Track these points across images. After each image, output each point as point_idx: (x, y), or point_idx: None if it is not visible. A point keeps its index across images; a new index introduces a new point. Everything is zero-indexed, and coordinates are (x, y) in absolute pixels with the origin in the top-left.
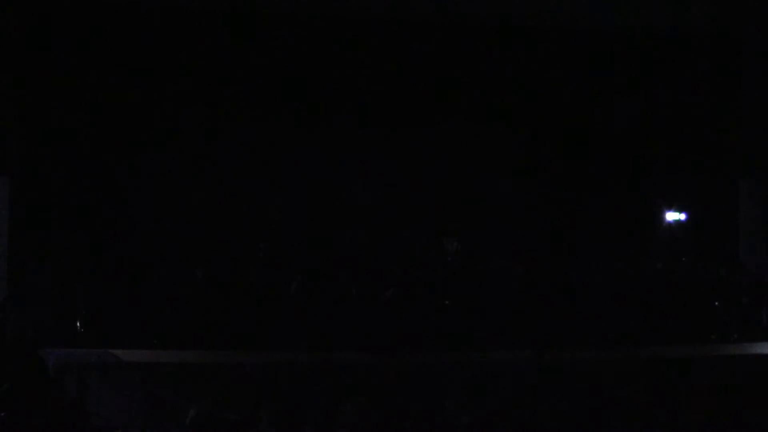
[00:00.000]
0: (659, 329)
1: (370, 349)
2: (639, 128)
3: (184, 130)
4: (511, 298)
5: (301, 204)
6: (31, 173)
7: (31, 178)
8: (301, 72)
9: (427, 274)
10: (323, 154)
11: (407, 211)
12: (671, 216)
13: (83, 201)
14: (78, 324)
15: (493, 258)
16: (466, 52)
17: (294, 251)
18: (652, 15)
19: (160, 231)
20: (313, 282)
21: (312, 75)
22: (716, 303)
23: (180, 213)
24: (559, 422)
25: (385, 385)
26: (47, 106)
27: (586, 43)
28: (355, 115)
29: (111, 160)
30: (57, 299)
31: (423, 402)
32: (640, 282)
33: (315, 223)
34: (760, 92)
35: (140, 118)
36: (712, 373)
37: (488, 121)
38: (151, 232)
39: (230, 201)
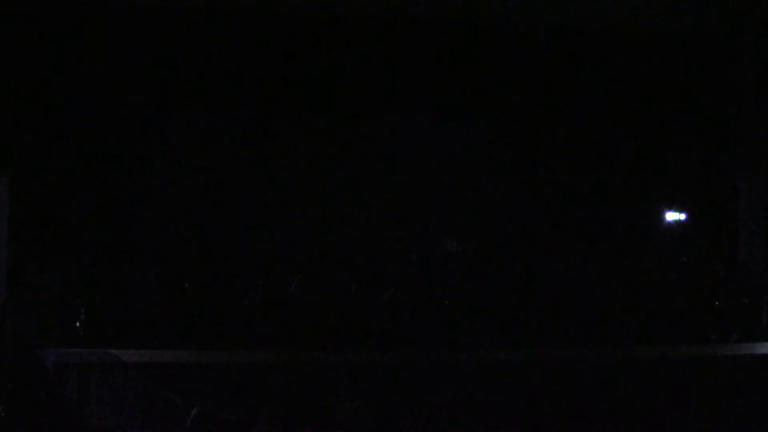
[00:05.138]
0: (659, 329)
1: (370, 349)
2: (639, 128)
3: (185, 129)
4: (511, 298)
5: (300, 203)
6: (31, 173)
7: (31, 178)
8: (300, 71)
9: (427, 274)
10: (322, 154)
11: (407, 211)
12: (671, 216)
13: (83, 201)
14: (78, 324)
15: (493, 258)
16: (465, 51)
17: (294, 251)
18: (651, 14)
19: (161, 231)
20: (313, 282)
21: (311, 74)
22: (716, 303)
23: (180, 212)
24: (558, 422)
25: (385, 385)
26: (47, 106)
27: (586, 42)
28: (354, 114)
29: (111, 160)
30: (57, 299)
31: (423, 402)
32: (639, 282)
33: (315, 222)
34: (760, 92)
35: (140, 118)
36: (712, 373)
37: (488, 120)
38: (151, 231)
39: (230, 200)
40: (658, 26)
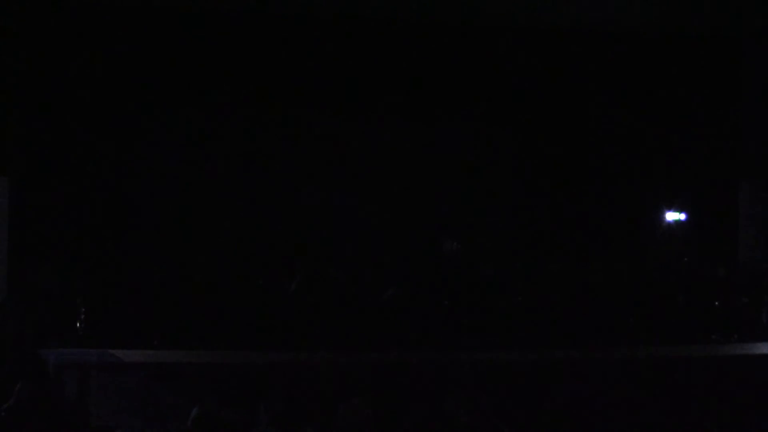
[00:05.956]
0: (659, 329)
1: (370, 349)
2: (639, 128)
3: (184, 130)
4: (511, 298)
5: (301, 203)
6: (31, 173)
7: (31, 178)
8: (300, 71)
9: (427, 274)
10: (323, 154)
11: (407, 211)
12: (671, 216)
13: (83, 201)
14: (78, 324)
15: (492, 258)
16: (465, 51)
17: (294, 251)
18: (651, 15)
19: (160, 230)
20: (313, 282)
21: (311, 74)
22: (716, 303)
23: (180, 212)
24: (559, 422)
25: (385, 385)
26: (47, 106)
27: (586, 43)
28: (355, 115)
29: (111, 161)
30: (57, 299)
31: (423, 402)
32: (640, 282)
33: (315, 222)
34: (760, 92)
35: (140, 118)
36: (712, 373)
37: (488, 120)
38: (151, 231)
39: (230, 200)
40: (659, 27)
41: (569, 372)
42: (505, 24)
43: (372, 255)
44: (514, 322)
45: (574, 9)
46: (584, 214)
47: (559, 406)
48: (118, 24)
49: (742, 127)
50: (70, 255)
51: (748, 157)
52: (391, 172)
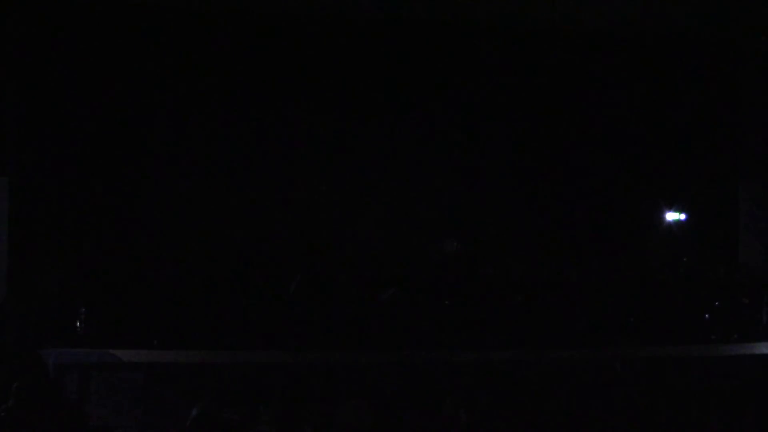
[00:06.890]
0: (659, 329)
1: (370, 349)
2: (639, 128)
3: (184, 129)
4: (511, 299)
5: (301, 203)
6: (31, 173)
7: (31, 178)
8: (300, 71)
9: (427, 274)
10: (323, 154)
11: (407, 211)
12: (671, 216)
13: (83, 201)
14: (78, 324)
15: (492, 258)
16: (465, 51)
17: (294, 251)
18: (652, 15)
19: (160, 230)
20: (312, 282)
21: (310, 74)
22: (716, 303)
23: (180, 212)
24: (559, 422)
25: (385, 385)
26: (47, 107)
27: (587, 43)
28: (355, 115)
29: (111, 160)
30: (57, 299)
31: (423, 402)
32: (640, 282)
33: (315, 222)
34: (760, 93)
35: (140, 118)
36: (712, 373)
37: (488, 120)
38: (151, 231)
39: (230, 200)
40: (660, 28)
41: (569, 372)
42: (506, 24)
43: (372, 255)
44: (514, 322)
45: (574, 9)
46: (584, 214)
47: (559, 406)
48: (118, 24)
49: (742, 127)
50: (70, 255)
51: (748, 157)
52: (391, 172)
